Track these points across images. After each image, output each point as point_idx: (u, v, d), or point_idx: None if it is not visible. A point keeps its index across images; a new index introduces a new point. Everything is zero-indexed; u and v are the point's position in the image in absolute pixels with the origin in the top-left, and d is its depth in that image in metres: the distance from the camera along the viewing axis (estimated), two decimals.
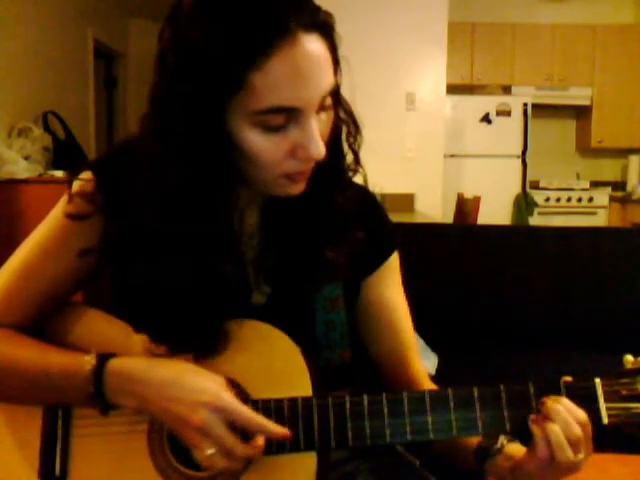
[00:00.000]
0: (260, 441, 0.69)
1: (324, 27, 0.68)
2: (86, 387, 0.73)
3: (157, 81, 0.70)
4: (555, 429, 0.68)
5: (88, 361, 0.74)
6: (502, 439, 0.77)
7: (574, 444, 0.68)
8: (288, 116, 0.68)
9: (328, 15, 0.70)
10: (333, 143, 0.76)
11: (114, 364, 0.74)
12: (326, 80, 0.69)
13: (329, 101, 0.72)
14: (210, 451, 0.68)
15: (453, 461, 0.84)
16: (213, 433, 0.68)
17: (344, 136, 0.79)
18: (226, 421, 0.69)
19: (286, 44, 0.64)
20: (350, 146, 0.80)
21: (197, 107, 0.67)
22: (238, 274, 0.79)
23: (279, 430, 0.70)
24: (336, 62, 0.72)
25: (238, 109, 0.67)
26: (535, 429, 0.69)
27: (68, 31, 4.39)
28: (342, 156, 0.80)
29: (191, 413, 0.69)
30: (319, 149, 0.70)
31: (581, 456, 0.68)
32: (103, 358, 0.74)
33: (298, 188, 0.75)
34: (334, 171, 0.80)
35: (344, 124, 0.79)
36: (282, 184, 0.74)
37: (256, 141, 0.69)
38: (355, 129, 0.80)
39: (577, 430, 0.68)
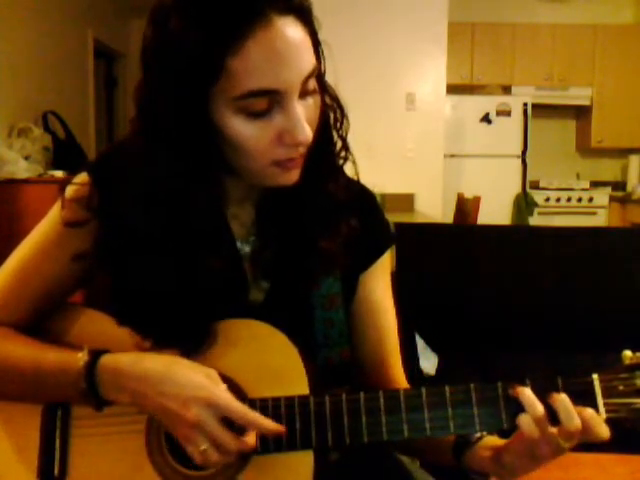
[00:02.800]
0: (251, 436, 0.69)
1: (299, 10, 0.69)
2: (79, 383, 0.73)
3: (140, 79, 0.72)
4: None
5: (81, 357, 0.74)
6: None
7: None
8: (270, 100, 0.68)
9: None
10: (322, 130, 0.76)
11: (106, 360, 0.74)
12: (305, 62, 0.69)
13: (313, 85, 0.72)
14: (203, 446, 0.68)
15: (430, 457, 0.84)
16: (206, 429, 0.68)
17: (331, 122, 0.79)
18: (219, 416, 0.69)
19: (261, 28, 0.65)
20: (338, 132, 0.80)
21: (179, 99, 0.67)
22: (232, 271, 0.79)
23: (272, 426, 0.70)
24: (316, 46, 0.72)
25: (220, 96, 0.68)
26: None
27: (68, 31, 4.39)
28: (332, 143, 0.80)
29: (184, 409, 0.68)
30: (305, 133, 0.70)
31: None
32: (96, 354, 0.74)
33: (290, 177, 0.75)
34: (324, 158, 0.80)
35: (330, 110, 0.79)
36: (273, 173, 0.74)
37: (241, 128, 0.69)
38: (341, 115, 0.80)
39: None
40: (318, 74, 0.73)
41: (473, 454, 0.76)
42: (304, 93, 0.70)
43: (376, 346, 0.89)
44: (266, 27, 0.65)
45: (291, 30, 0.67)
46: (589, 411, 0.67)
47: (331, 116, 0.79)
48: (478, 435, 0.76)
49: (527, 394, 0.68)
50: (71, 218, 0.79)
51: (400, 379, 0.90)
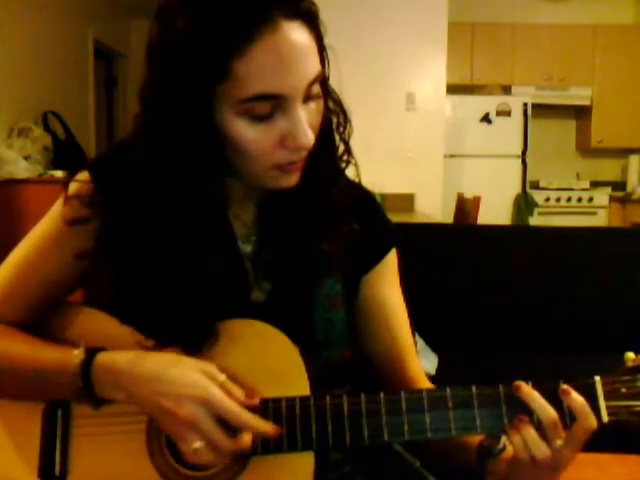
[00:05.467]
0: (246, 437, 0.69)
1: (307, 15, 0.69)
2: (75, 381, 0.73)
3: (145, 77, 0.71)
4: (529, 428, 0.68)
5: (77, 355, 0.74)
6: (504, 439, 0.75)
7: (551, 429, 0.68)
8: (274, 104, 0.68)
9: (311, 4, 0.70)
10: (324, 134, 0.77)
11: (102, 358, 0.74)
12: (310, 67, 0.69)
13: (317, 90, 0.72)
14: (197, 444, 0.68)
15: (452, 460, 0.83)
16: (200, 427, 0.68)
17: (334, 127, 0.79)
18: (214, 415, 0.69)
19: (268, 32, 0.65)
20: (340, 136, 0.80)
21: (183, 99, 0.67)
22: (233, 271, 0.79)
23: (266, 427, 0.69)
24: (322, 51, 0.72)
25: (224, 99, 0.68)
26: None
27: (68, 31, 4.39)
28: (334, 147, 0.80)
29: (178, 407, 0.68)
30: (307, 137, 0.70)
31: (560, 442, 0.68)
32: (92, 352, 0.74)
33: (290, 180, 0.75)
34: (327, 162, 0.80)
35: (333, 114, 0.79)
36: (274, 176, 0.74)
37: (243, 131, 0.69)
38: (344, 119, 0.80)
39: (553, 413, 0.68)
40: (322, 79, 0.73)
41: (494, 464, 0.75)
42: (307, 97, 0.70)
43: (389, 345, 0.89)
44: (273, 31, 0.65)
45: (298, 35, 0.67)
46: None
47: (334, 120, 0.79)
48: (501, 446, 0.75)
49: (535, 397, 0.69)
50: (73, 216, 0.79)
51: (419, 377, 0.89)
